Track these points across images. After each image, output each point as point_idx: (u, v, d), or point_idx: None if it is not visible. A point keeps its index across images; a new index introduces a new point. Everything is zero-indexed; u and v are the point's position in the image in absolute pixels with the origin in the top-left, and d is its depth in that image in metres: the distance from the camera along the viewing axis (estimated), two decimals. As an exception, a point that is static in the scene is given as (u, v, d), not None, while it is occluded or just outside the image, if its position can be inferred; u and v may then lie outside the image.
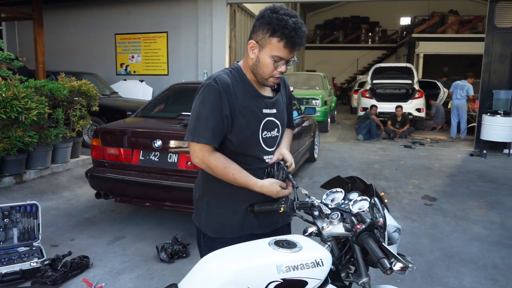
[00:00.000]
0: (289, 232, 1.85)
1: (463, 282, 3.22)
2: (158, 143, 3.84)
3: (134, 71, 10.65)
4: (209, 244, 1.69)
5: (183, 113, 4.42)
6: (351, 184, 1.67)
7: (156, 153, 3.90)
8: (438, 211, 4.87)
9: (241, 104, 1.60)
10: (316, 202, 1.58)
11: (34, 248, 3.23)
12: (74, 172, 6.22)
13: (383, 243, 1.39)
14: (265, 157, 1.70)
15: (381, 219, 1.38)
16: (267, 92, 1.73)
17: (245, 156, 1.66)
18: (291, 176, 1.68)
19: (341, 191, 1.63)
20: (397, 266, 1.37)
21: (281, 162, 1.68)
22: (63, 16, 10.68)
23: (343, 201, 1.59)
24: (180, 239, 3.62)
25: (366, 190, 1.61)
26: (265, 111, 1.68)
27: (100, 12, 10.51)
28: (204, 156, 1.58)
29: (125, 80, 10.37)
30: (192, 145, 1.59)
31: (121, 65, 10.75)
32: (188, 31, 9.95)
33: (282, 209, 1.59)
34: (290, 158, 1.72)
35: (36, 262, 2.99)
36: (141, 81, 10.13)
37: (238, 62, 1.72)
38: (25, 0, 8.05)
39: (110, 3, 10.33)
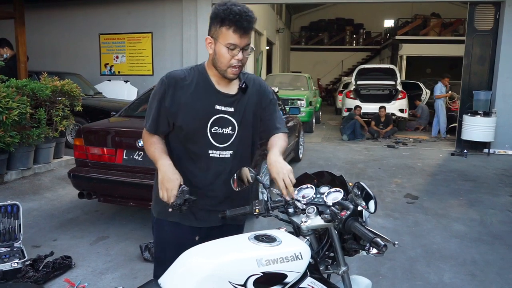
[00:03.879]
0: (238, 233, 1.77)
1: (443, 277, 3.29)
2: (142, 142, 3.82)
3: (119, 72, 10.56)
4: (158, 224, 1.87)
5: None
6: (317, 179, 1.72)
7: (140, 153, 3.89)
8: (420, 209, 4.96)
9: (190, 98, 1.70)
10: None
11: (15, 249, 3.19)
12: (57, 173, 6.15)
13: (367, 226, 1.45)
14: (210, 152, 1.75)
15: (363, 203, 1.45)
16: (231, 90, 1.77)
17: (193, 147, 1.76)
18: (259, 177, 1.71)
19: (311, 187, 1.67)
20: (374, 250, 1.43)
21: (259, 178, 1.67)
22: (46, 16, 10.54)
23: (314, 195, 1.63)
24: (164, 239, 3.61)
25: (333, 182, 1.67)
26: (218, 107, 1.73)
27: (84, 12, 10.40)
28: (144, 137, 1.80)
29: (109, 80, 10.27)
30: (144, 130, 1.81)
31: (106, 65, 10.65)
32: (173, 31, 9.92)
33: (257, 210, 1.61)
34: (281, 182, 1.56)
35: (17, 262, 2.96)
36: (126, 81, 10.05)
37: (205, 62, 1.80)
38: (6, -1, 7.92)
39: (94, 3, 10.24)
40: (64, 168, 6.32)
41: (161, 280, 1.33)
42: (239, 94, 1.77)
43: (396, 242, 1.38)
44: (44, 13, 10.50)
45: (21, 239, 3.28)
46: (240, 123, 1.78)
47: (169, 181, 1.60)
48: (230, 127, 1.76)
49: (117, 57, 10.54)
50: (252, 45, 1.68)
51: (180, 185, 1.60)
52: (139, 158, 3.88)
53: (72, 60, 10.40)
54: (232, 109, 1.75)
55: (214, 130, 1.73)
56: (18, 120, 5.21)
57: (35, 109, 5.86)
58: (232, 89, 1.77)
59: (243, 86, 1.77)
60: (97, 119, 5.30)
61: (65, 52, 10.53)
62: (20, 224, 3.28)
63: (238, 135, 1.78)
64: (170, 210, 1.61)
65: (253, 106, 1.82)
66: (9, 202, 3.28)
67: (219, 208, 1.74)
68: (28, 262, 3.07)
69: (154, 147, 1.73)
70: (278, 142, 1.81)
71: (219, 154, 1.76)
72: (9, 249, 3.17)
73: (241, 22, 1.59)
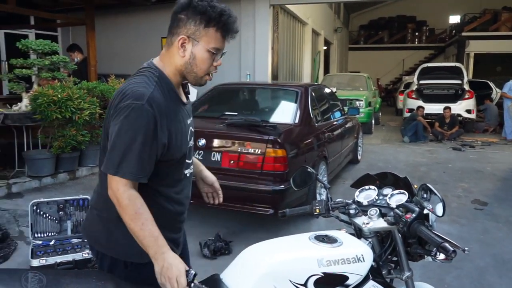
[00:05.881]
0: (187, 253, 1.81)
1: (516, 290, 3.06)
2: (202, 142, 3.93)
3: (179, 74, 10.93)
4: (137, 269, 1.40)
5: (226, 112, 4.50)
6: (379, 181, 1.67)
7: (200, 152, 3.99)
8: (489, 216, 4.65)
9: (174, 122, 1.40)
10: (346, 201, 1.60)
11: (85, 240, 3.40)
12: (122, 170, 6.47)
13: (434, 231, 1.39)
14: (186, 172, 1.52)
15: (430, 206, 1.39)
16: (184, 98, 1.52)
17: (175, 175, 1.47)
18: (320, 177, 1.70)
19: (373, 188, 1.62)
20: (441, 256, 1.37)
21: None
22: (113, 21, 11.15)
23: (377, 197, 1.58)
24: (222, 236, 3.69)
25: (397, 184, 1.61)
26: (187, 121, 1.51)
27: (147, 17, 10.88)
28: (119, 190, 1.29)
29: (170, 82, 10.66)
30: (114, 178, 1.30)
31: (167, 67, 11.07)
32: (231, 34, 10.09)
33: (317, 210, 1.61)
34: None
35: (88, 253, 3.15)
36: (186, 83, 10.38)
37: (153, 62, 1.48)
38: (78, 7, 8.49)
39: (156, 8, 10.67)
40: (129, 165, 6.64)
41: (223, 275, 1.36)
42: (188, 100, 1.56)
43: (466, 249, 1.30)
44: (112, 19, 11.12)
45: (91, 231, 3.49)
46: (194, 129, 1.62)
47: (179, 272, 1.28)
48: (192, 138, 1.56)
49: (178, 59, 10.91)
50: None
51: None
52: (199, 157, 3.98)
53: (137, 62, 10.69)
54: (191, 118, 1.56)
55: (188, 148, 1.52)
56: (89, 120, 5.56)
57: (103, 110, 6.23)
58: (183, 96, 1.53)
59: (187, 90, 1.55)
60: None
61: (130, 55, 11.07)
62: (90, 217, 3.49)
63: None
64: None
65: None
66: (80, 196, 3.52)
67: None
68: (97, 253, 3.25)
69: (149, 222, 1.30)
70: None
71: (189, 172, 1.55)
72: (81, 240, 3.39)
73: (231, 25, 1.38)
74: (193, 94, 9.97)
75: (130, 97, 1.30)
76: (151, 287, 1.36)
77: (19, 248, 3.58)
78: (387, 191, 1.59)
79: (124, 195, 1.28)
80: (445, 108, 10.45)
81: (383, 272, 1.50)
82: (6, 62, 8.22)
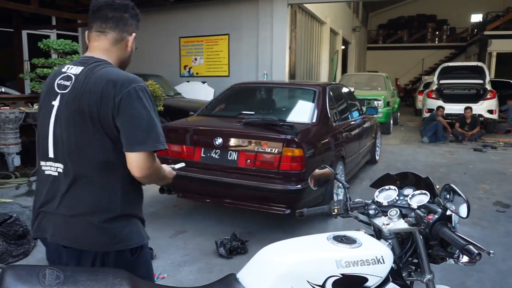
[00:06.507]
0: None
1: (541, 295, 2.97)
2: (219, 141, 3.93)
3: (197, 73, 10.98)
4: (139, 258, 1.54)
5: (243, 112, 4.49)
6: (400, 181, 1.63)
7: (216, 151, 3.99)
8: (512, 219, 4.53)
9: None
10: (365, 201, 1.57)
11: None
12: (140, 169, 6.52)
13: (457, 232, 1.35)
14: None
15: (453, 207, 1.36)
16: None
17: None
18: (338, 177, 1.69)
19: (394, 189, 1.59)
20: (465, 259, 1.33)
21: None
22: (132, 22, 11.28)
23: (397, 197, 1.54)
24: (238, 236, 3.68)
25: (418, 184, 1.57)
26: None
27: (165, 17, 10.96)
28: (156, 162, 1.48)
29: (188, 81, 10.72)
30: (151, 155, 1.42)
31: (185, 67, 11.13)
32: (249, 33, 10.09)
33: (336, 210, 1.58)
34: None
35: (105, 250, 3.18)
36: (203, 82, 10.42)
37: (96, 57, 1.54)
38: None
39: (175, 8, 10.75)
40: (147, 164, 6.69)
41: (239, 275, 1.34)
42: None
43: (491, 251, 1.26)
44: (131, 19, 11.23)
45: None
46: None
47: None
48: None
49: (195, 59, 10.96)
50: None
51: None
52: (216, 156, 3.99)
53: (155, 62, 11.01)
54: None
55: None
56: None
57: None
58: None
59: None
60: (176, 118, 5.55)
61: (149, 55, 11.18)
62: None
63: None
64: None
65: None
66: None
67: None
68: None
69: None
70: None
71: None
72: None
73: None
74: (210, 93, 10.02)
75: (128, 82, 1.42)
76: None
77: (38, 245, 3.63)
78: (408, 191, 1.56)
79: (159, 163, 1.51)
80: (466, 108, 10.23)
81: (403, 274, 1.47)
82: (29, 61, 8.40)
